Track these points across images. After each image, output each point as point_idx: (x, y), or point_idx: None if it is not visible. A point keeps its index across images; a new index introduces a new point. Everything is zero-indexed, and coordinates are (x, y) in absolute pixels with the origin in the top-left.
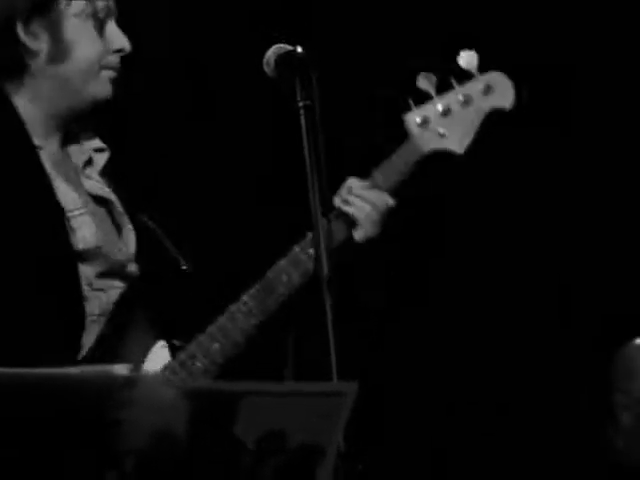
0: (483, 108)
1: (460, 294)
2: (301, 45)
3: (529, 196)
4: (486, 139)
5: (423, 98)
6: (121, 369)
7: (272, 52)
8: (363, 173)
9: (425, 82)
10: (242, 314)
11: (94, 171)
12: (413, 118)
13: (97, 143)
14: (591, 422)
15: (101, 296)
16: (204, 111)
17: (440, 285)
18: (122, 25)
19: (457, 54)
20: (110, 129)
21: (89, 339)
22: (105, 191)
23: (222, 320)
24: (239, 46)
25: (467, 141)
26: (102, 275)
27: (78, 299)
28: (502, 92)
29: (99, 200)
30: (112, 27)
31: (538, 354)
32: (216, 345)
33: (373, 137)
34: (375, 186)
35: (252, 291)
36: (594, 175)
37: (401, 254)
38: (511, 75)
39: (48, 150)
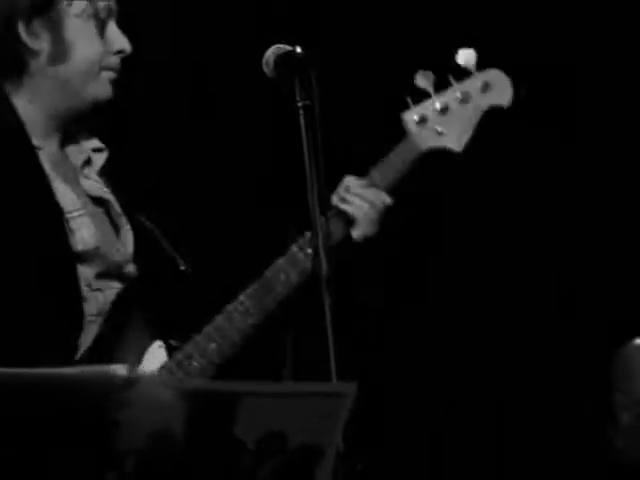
0: (481, 106)
1: (459, 293)
2: (300, 45)
3: (527, 194)
4: (484, 137)
5: (421, 96)
6: (120, 369)
7: (271, 52)
8: (361, 171)
9: (423, 80)
10: (239, 314)
11: (92, 171)
12: (411, 116)
13: (95, 143)
14: (591, 422)
15: (98, 296)
16: (203, 111)
17: (439, 284)
18: (123, 26)
19: (455, 52)
20: (110, 130)
21: (86, 339)
22: (103, 191)
23: (219, 320)
24: (239, 46)
25: (465, 139)
26: (100, 276)
27: (77, 300)
28: (500, 90)
29: (97, 201)
30: (113, 28)
31: (538, 354)
32: (213, 345)
33: (371, 135)
34: (373, 184)
35: (249, 290)
36: (594, 172)
37: (399, 252)
38: (509, 72)
39: (47, 151)
